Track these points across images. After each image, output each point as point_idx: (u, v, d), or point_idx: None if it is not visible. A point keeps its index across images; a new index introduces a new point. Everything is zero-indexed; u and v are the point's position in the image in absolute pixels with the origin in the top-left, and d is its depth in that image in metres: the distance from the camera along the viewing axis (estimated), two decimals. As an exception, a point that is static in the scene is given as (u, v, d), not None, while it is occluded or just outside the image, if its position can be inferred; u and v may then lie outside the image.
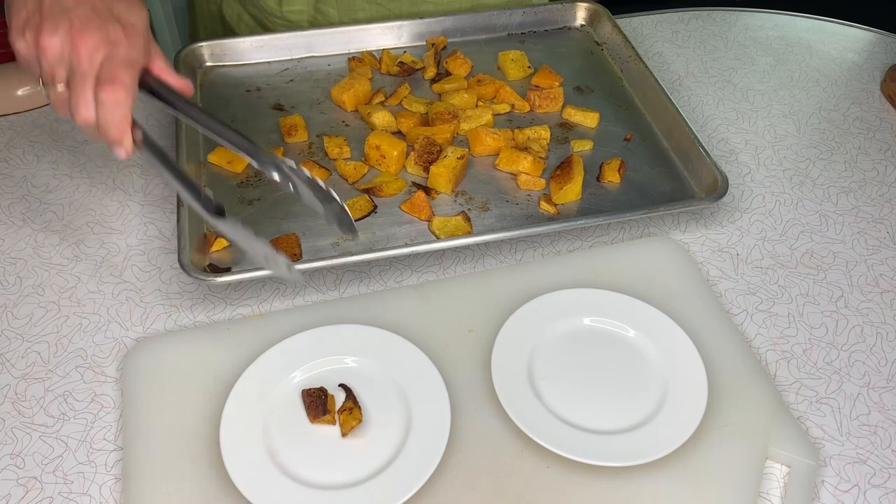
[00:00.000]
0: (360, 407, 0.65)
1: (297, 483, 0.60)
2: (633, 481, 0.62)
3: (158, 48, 0.65)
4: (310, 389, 0.65)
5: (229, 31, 1.08)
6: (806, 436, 0.65)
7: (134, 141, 0.61)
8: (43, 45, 0.58)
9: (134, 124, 0.61)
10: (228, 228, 0.63)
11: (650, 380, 0.68)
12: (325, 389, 0.65)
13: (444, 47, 1.00)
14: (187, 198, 0.63)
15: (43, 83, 0.61)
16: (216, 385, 0.67)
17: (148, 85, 0.63)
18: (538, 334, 0.70)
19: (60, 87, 0.60)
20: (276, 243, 0.68)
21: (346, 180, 0.84)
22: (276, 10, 1.02)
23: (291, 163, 0.63)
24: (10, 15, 0.60)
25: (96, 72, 0.59)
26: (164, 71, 0.64)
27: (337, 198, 0.64)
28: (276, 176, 0.63)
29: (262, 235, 0.64)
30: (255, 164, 0.63)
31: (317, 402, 0.64)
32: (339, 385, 0.66)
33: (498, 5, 1.06)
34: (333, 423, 0.64)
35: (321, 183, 0.63)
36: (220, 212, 0.63)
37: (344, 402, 0.65)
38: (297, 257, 0.73)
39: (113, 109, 0.59)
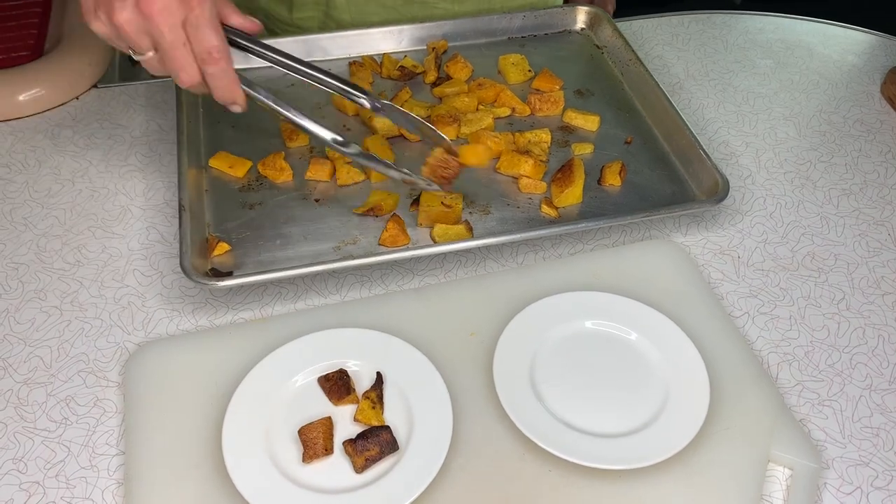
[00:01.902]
0: (382, 406, 0.65)
1: (299, 487, 0.60)
2: (636, 484, 0.62)
3: None
4: (327, 374, 0.66)
5: None
6: (808, 438, 0.65)
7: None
8: (118, 22, 0.61)
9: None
10: (358, 157, 0.73)
11: (652, 383, 0.68)
12: (345, 370, 0.66)
13: (445, 51, 1.00)
14: (317, 133, 0.71)
15: (133, 53, 0.64)
16: (218, 389, 0.67)
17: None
18: (540, 337, 0.70)
19: (150, 54, 0.63)
20: (309, 430, 0.62)
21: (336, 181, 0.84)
22: (287, 18, 1.02)
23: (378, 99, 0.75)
24: None
25: (183, 37, 0.61)
26: (232, 15, 0.67)
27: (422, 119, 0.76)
28: (366, 104, 0.75)
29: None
30: (352, 97, 0.74)
31: (338, 385, 0.65)
32: (377, 372, 0.67)
33: (506, 8, 1.06)
34: (357, 401, 0.65)
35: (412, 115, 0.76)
36: (347, 144, 0.72)
37: (370, 391, 0.65)
38: (328, 451, 0.62)
39: (221, 77, 0.64)
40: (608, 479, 0.62)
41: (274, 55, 0.71)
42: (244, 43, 0.68)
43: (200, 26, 0.61)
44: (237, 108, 0.68)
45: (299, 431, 0.63)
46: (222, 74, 0.64)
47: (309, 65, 0.72)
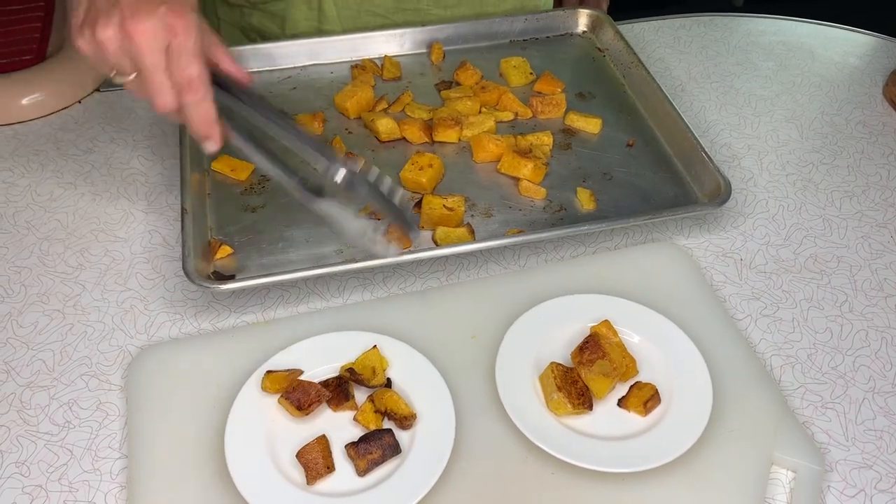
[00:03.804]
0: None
1: (302, 490, 0.60)
2: (638, 487, 0.62)
3: (211, 32, 0.64)
4: (325, 381, 0.66)
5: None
6: (811, 441, 0.65)
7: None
8: (100, 40, 0.59)
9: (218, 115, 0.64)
10: (326, 207, 0.67)
11: (655, 385, 0.68)
12: (343, 377, 0.66)
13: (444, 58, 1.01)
14: (284, 179, 0.67)
15: (115, 74, 0.62)
16: (221, 392, 0.67)
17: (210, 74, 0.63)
18: (542, 340, 0.70)
19: (132, 77, 0.62)
20: (306, 452, 0.61)
21: None
22: (280, 35, 1.03)
23: (357, 166, 0.65)
24: (70, 16, 0.62)
25: (163, 62, 0.60)
26: (224, 59, 0.65)
27: (396, 203, 0.67)
28: (338, 177, 0.65)
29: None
30: (322, 162, 0.65)
31: (337, 392, 0.65)
32: (387, 378, 0.67)
33: (498, 13, 1.06)
34: (356, 407, 0.65)
35: (383, 190, 0.66)
36: (318, 192, 0.66)
37: (379, 389, 0.65)
38: (330, 469, 0.62)
39: (198, 109, 0.62)
40: (611, 482, 0.62)
41: (257, 105, 0.66)
42: (232, 92, 0.65)
43: (183, 53, 0.60)
44: (211, 146, 0.65)
45: (297, 455, 0.62)
46: (199, 106, 0.62)
47: (286, 119, 0.67)
